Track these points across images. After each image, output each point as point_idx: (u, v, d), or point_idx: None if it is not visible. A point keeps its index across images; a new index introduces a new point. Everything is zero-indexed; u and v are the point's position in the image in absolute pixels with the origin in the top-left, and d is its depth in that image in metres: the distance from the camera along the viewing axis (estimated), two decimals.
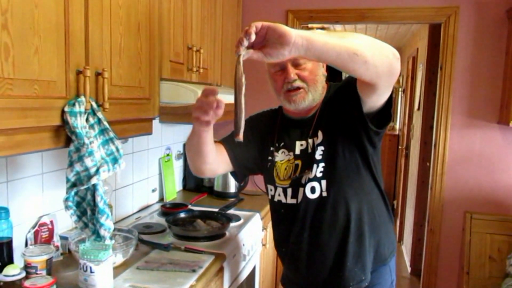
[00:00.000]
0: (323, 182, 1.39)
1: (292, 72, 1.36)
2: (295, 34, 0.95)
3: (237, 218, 2.16)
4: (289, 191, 1.45)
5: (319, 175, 1.39)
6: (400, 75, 5.88)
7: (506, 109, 2.46)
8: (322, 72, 1.42)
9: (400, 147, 5.40)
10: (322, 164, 1.39)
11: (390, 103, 1.29)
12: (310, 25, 3.47)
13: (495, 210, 2.68)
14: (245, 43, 0.97)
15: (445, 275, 2.79)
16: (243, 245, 1.98)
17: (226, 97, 2.11)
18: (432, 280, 2.81)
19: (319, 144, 1.39)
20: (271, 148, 1.51)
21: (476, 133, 2.66)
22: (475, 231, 2.65)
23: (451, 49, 2.60)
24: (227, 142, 1.54)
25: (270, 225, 2.56)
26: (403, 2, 2.66)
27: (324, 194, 1.40)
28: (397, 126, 5.93)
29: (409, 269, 3.95)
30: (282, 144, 1.49)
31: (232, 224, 2.03)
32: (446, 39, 2.61)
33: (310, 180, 1.40)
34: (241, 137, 1.02)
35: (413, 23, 3.64)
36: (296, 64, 1.37)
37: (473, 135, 2.66)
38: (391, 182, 5.90)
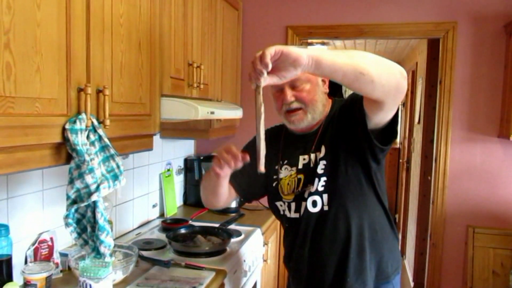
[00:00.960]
0: (325, 196, 1.39)
1: (289, 94, 1.38)
2: (306, 56, 0.97)
3: (238, 233, 2.15)
4: (293, 205, 1.46)
5: (320, 189, 1.39)
6: None
7: (507, 123, 2.46)
8: (321, 91, 1.43)
9: (401, 160, 5.39)
10: (324, 178, 1.39)
11: (396, 120, 1.29)
12: (310, 40, 3.50)
13: (498, 224, 2.66)
14: (265, 73, 0.97)
15: None
16: (244, 260, 1.97)
17: (225, 113, 2.13)
18: None
19: (321, 159, 1.40)
20: (276, 167, 1.51)
21: (476, 147, 2.66)
22: (478, 245, 2.63)
23: (450, 64, 2.61)
24: (235, 179, 1.49)
25: (271, 240, 2.55)
26: (402, 17, 2.69)
27: (326, 208, 1.40)
28: (398, 140, 5.93)
29: (412, 283, 3.91)
30: (286, 161, 1.50)
31: (233, 240, 2.02)
32: (445, 53, 2.63)
33: (311, 194, 1.40)
34: (262, 168, 1.03)
35: (412, 38, 3.67)
36: (293, 86, 1.39)
37: (474, 149, 2.66)
38: (393, 196, 5.88)
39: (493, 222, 2.67)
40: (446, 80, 2.63)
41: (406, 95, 4.92)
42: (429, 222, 2.88)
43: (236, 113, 2.28)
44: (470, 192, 2.68)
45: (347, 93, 6.32)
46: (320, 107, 1.42)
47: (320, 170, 1.39)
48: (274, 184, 1.51)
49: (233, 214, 2.54)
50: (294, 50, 0.97)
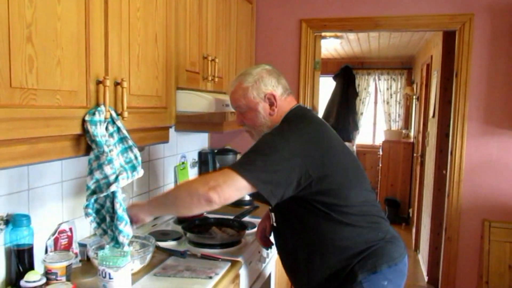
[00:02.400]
0: (274, 214, 1.62)
1: (238, 118, 1.61)
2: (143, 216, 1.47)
3: (252, 225, 2.16)
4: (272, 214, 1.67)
5: (273, 207, 1.56)
6: (414, 83, 5.86)
7: None
8: (265, 115, 1.55)
9: (415, 154, 5.35)
10: None
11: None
12: (323, 34, 3.49)
13: None
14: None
15: (463, 284, 2.75)
16: (259, 252, 1.99)
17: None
18: None
19: None
20: None
21: (493, 140, 2.63)
22: (494, 239, 2.61)
23: (466, 56, 2.58)
24: None
25: None
26: (417, 10, 2.66)
27: (275, 224, 1.63)
28: (412, 134, 5.89)
29: (426, 278, 3.89)
30: None
31: (248, 232, 2.04)
32: (461, 46, 2.59)
33: (271, 209, 1.64)
34: None
35: (427, 31, 3.63)
36: (239, 112, 1.59)
37: (490, 143, 2.63)
38: (406, 190, 5.84)
39: (510, 216, 2.64)
40: (462, 73, 2.60)
41: (420, 89, 4.87)
42: (444, 216, 2.86)
43: None
44: (486, 186, 2.66)
45: (360, 87, 6.28)
46: (265, 129, 1.55)
47: None
48: None
49: (247, 207, 2.55)
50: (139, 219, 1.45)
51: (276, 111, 1.54)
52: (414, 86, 5.76)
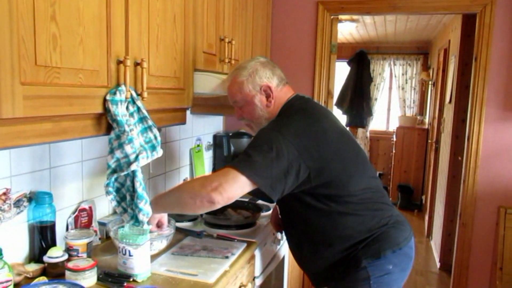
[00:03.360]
0: (279, 206, 1.67)
1: (237, 112, 1.63)
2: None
3: (267, 208, 2.18)
4: None
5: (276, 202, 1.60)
6: (430, 68, 5.76)
7: None
8: (262, 108, 1.56)
9: (429, 141, 5.30)
10: None
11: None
12: (340, 17, 3.44)
13: None
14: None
15: (477, 270, 2.75)
16: (273, 234, 2.01)
17: None
18: (464, 276, 2.77)
19: None
20: None
21: (511, 126, 2.59)
22: (509, 226, 2.59)
23: (486, 40, 2.53)
24: None
25: None
26: None
27: (280, 216, 1.70)
28: (427, 120, 5.82)
29: (438, 264, 3.89)
30: None
31: (263, 214, 2.06)
32: (482, 29, 2.54)
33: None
34: None
35: (447, 13, 3.55)
36: (236, 106, 1.61)
37: (509, 128, 2.59)
38: (420, 177, 5.81)
39: None
40: (482, 57, 2.56)
41: (437, 74, 4.80)
42: (458, 202, 2.85)
43: None
44: (503, 172, 2.63)
45: (374, 72, 6.21)
46: (263, 121, 1.57)
47: None
48: None
49: None
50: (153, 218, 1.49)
51: (273, 103, 1.56)
52: (430, 71, 5.67)
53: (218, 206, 1.35)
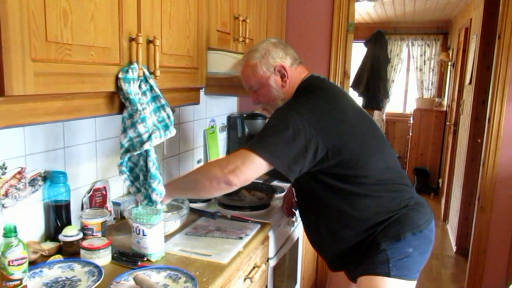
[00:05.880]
0: (294, 190, 1.68)
1: (253, 97, 1.60)
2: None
3: (281, 189, 2.16)
4: None
5: (293, 184, 1.63)
6: (449, 49, 5.61)
7: None
8: (277, 88, 1.53)
9: (447, 123, 5.19)
10: None
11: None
12: None
13: None
14: None
15: (494, 254, 2.70)
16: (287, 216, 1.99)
17: None
18: (481, 260, 2.72)
19: None
20: None
21: None
22: None
23: (511, 17, 2.43)
24: None
25: None
26: None
27: (295, 199, 1.69)
28: (445, 102, 5.70)
29: (454, 248, 3.85)
30: None
31: (277, 195, 2.04)
32: (506, 5, 2.43)
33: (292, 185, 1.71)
34: None
35: None
36: (252, 91, 1.58)
37: None
38: (437, 160, 5.72)
39: None
40: (506, 35, 2.46)
41: (457, 54, 4.67)
42: (477, 186, 2.78)
43: None
44: None
45: (392, 53, 6.07)
46: (279, 102, 1.54)
47: None
48: None
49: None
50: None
51: (288, 83, 1.53)
52: (450, 52, 5.52)
53: (234, 188, 1.34)
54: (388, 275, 1.39)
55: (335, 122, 1.39)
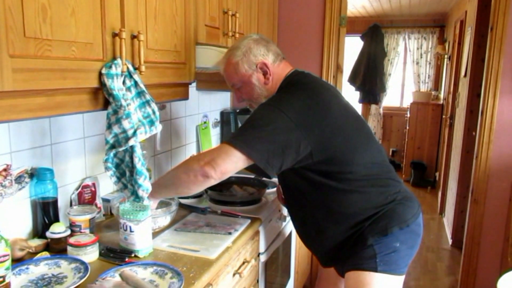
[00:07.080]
0: (282, 187, 1.66)
1: (237, 95, 1.60)
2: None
3: (273, 184, 2.16)
4: None
5: (279, 181, 1.64)
6: (446, 42, 5.59)
7: None
8: (260, 85, 1.52)
9: (444, 116, 5.19)
10: None
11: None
12: None
13: None
14: None
15: (488, 246, 2.70)
16: (279, 210, 1.99)
17: None
18: (475, 252, 2.73)
19: None
20: None
21: None
22: None
23: (503, 9, 2.41)
24: None
25: None
26: None
27: (283, 196, 1.67)
28: (442, 96, 5.69)
29: (450, 241, 3.86)
30: None
31: (268, 190, 2.04)
32: None
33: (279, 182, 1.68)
34: None
35: None
36: (235, 88, 1.58)
37: None
38: (433, 153, 5.72)
39: None
40: (498, 28, 2.45)
41: (453, 47, 4.65)
42: (471, 178, 2.78)
43: None
44: None
45: (388, 46, 6.05)
46: (263, 100, 1.52)
47: None
48: None
49: None
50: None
51: (271, 79, 1.52)
52: (446, 45, 5.50)
53: (212, 181, 1.33)
54: (375, 270, 1.39)
55: (318, 117, 1.38)
